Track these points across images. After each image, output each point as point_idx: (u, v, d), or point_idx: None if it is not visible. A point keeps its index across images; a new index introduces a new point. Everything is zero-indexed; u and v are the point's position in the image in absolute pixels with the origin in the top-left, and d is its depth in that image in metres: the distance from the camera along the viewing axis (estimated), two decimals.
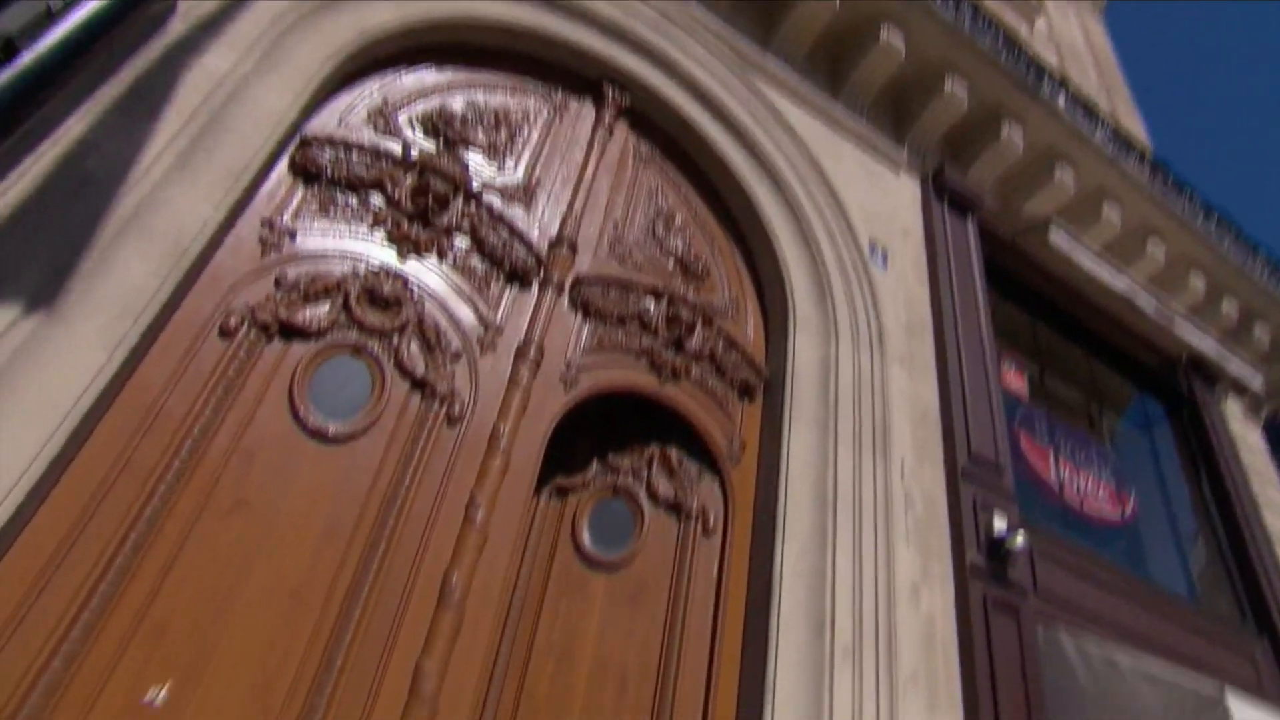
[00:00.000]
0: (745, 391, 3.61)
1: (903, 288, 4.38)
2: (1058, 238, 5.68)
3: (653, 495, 3.44)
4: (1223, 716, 3.23)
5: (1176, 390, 6.58)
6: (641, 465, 3.50)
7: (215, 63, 2.63)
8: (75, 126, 2.21)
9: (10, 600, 1.89)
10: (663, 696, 2.97)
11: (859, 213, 4.39)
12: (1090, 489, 5.49)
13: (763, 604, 3.06)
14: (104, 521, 2.06)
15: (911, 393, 3.99)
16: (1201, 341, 6.49)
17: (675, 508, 3.41)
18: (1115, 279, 5.96)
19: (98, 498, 2.07)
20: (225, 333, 2.44)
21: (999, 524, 3.83)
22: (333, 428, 2.50)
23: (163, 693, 2.00)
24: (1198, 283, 6.41)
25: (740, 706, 2.92)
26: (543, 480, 3.03)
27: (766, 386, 3.70)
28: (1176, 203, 6.18)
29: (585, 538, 3.34)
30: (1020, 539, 3.78)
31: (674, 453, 3.56)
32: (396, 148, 3.08)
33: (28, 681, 1.86)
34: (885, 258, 4.38)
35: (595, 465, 3.80)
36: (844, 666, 2.96)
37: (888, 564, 3.28)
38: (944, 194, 5.21)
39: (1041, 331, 6.06)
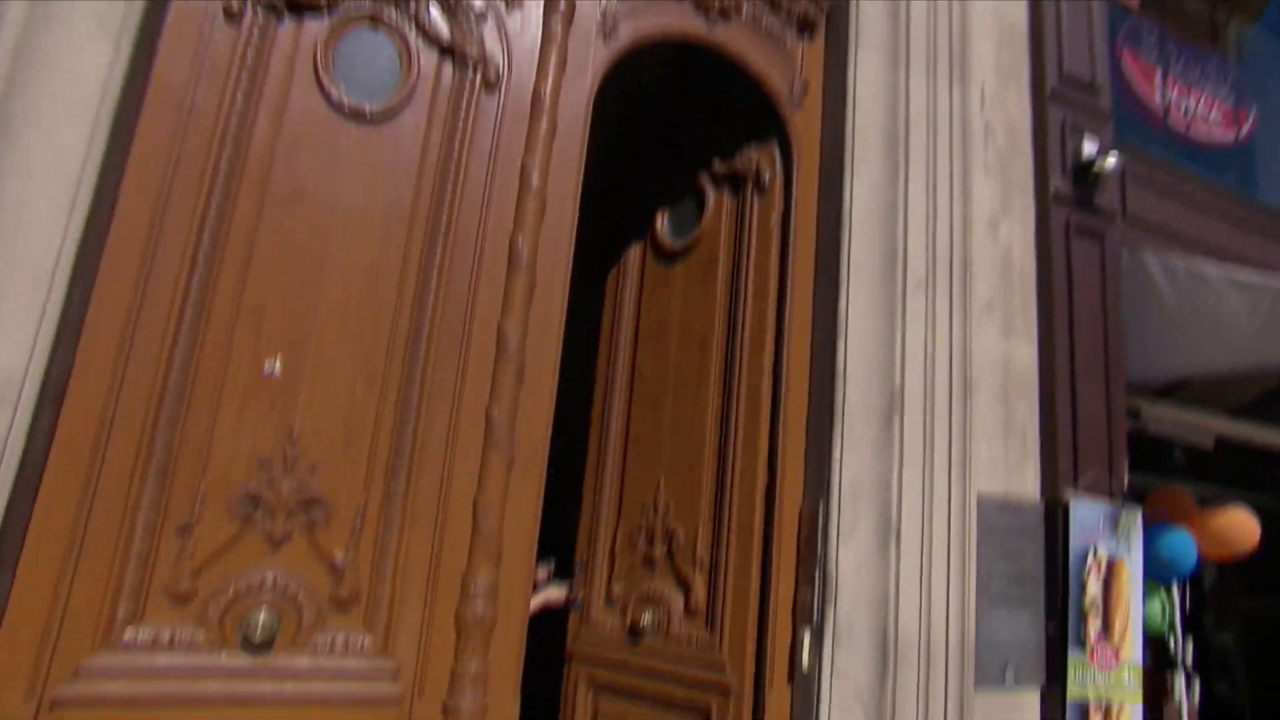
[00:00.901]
0: (805, 27, 3.24)
1: None
2: None
3: (712, 175, 3.42)
4: None
5: None
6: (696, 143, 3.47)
7: None
8: None
9: (123, 293, 2.03)
10: (733, 350, 3.14)
11: None
12: (1201, 110, 4.95)
13: (832, 247, 3.04)
14: (176, 218, 2.11)
15: (995, 8, 3.49)
16: None
17: (732, 176, 3.35)
18: None
19: (163, 198, 2.10)
20: (230, 16, 2.26)
21: (1089, 147, 3.54)
22: (369, 106, 2.40)
23: (277, 365, 2.20)
24: None
25: (814, 347, 3.04)
26: (598, 165, 2.98)
27: (829, 17, 3.29)
28: None
29: (662, 232, 3.60)
30: (1111, 160, 3.51)
31: (724, 114, 3.40)
32: None
33: (164, 360, 2.06)
34: None
35: (654, 152, 3.75)
36: (916, 299, 2.98)
37: (964, 196, 3.14)
38: None
39: None
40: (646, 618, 3.11)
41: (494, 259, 2.44)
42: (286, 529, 2.16)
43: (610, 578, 3.35)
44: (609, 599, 3.33)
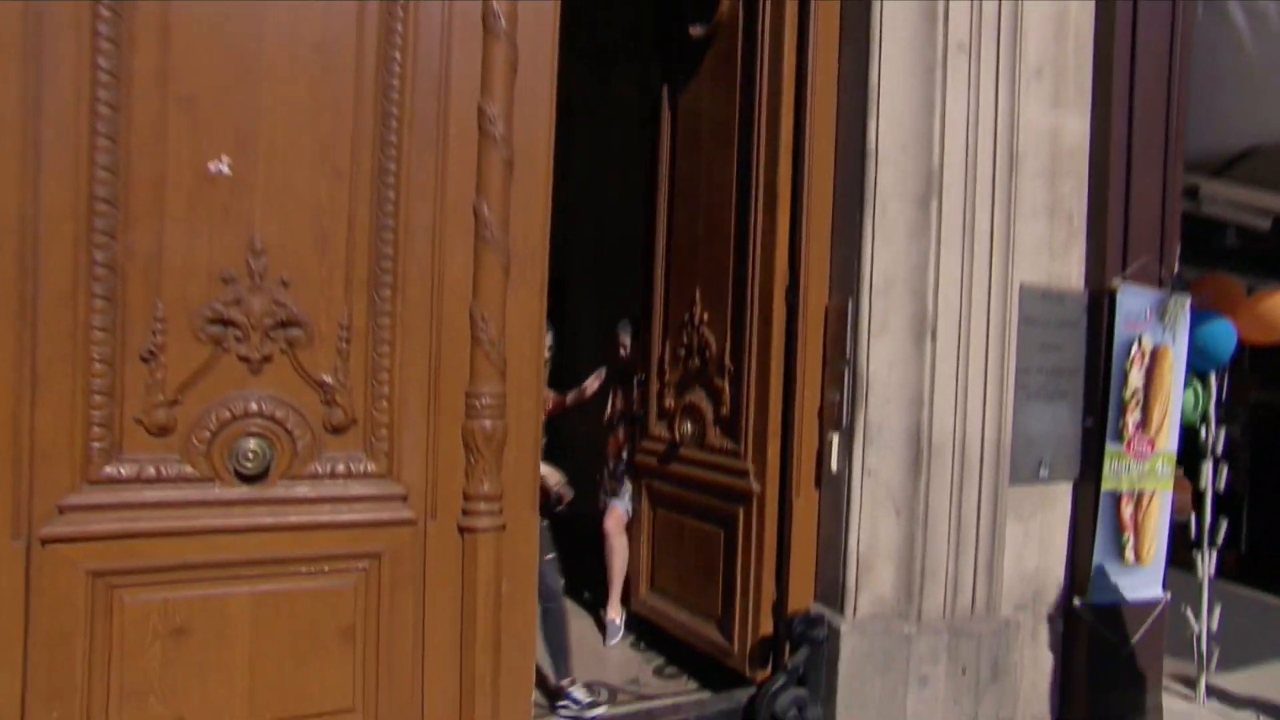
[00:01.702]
0: None
1: None
2: None
3: None
4: None
5: None
6: None
7: None
8: None
9: (9, 76, 1.67)
10: (750, 136, 2.81)
11: None
12: None
13: (860, 7, 2.59)
14: None
15: None
16: None
17: None
18: None
19: None
20: None
21: None
22: None
23: (224, 165, 1.89)
24: None
25: (840, 125, 2.68)
26: None
27: None
28: None
29: (693, 28, 3.21)
30: None
31: None
32: None
33: (84, 161, 1.74)
34: None
35: None
36: (958, 63, 2.58)
37: None
38: None
39: None
40: (686, 429, 3.06)
41: (466, 24, 2.04)
42: (265, 351, 1.94)
43: (661, 392, 3.28)
44: (661, 412, 3.28)
